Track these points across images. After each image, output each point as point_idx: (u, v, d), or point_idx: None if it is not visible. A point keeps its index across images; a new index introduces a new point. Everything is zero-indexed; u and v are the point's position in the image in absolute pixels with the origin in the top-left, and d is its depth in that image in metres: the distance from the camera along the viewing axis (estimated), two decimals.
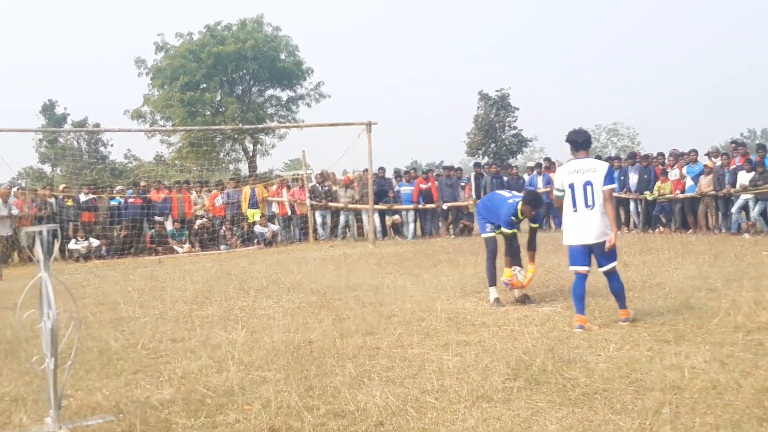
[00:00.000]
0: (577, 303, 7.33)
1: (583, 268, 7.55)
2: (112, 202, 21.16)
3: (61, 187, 21.95)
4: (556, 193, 7.83)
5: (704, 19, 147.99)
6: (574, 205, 7.40)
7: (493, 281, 9.01)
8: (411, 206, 22.06)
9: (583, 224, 7.38)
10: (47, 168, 54.75)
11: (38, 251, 4.83)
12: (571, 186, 7.43)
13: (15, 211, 19.19)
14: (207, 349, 6.80)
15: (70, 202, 20.31)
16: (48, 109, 58.50)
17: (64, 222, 19.28)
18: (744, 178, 17.32)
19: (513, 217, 8.97)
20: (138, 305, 9.81)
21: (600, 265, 7.60)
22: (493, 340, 6.62)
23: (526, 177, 22.88)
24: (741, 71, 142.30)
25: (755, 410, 4.43)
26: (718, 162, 18.71)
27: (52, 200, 20.33)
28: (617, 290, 7.53)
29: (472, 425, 4.37)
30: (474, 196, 22.02)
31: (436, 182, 22.39)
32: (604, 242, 7.36)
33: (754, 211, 17.25)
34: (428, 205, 22.13)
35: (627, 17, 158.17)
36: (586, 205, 7.32)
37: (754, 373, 5.25)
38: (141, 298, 10.48)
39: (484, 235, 9.44)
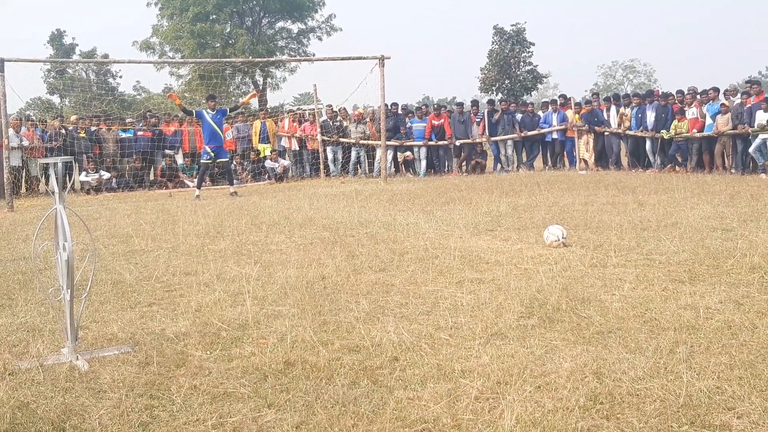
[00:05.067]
0: None
1: None
2: (123, 135, 21.12)
3: (72, 118, 21.92)
4: None
5: None
6: None
7: None
8: (423, 143, 21.98)
9: None
10: (56, 99, 54.65)
11: (53, 183, 4.85)
12: None
13: (25, 142, 19.20)
14: (221, 282, 6.85)
15: (82, 134, 20.30)
16: (56, 38, 58.22)
17: (76, 154, 19.28)
18: (762, 117, 17.17)
19: None
20: (150, 238, 9.86)
21: None
22: (507, 278, 6.64)
23: (540, 114, 22.69)
24: (762, 8, 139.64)
25: None
26: (737, 100, 18.54)
27: (63, 131, 20.30)
28: None
29: (486, 362, 4.40)
30: (488, 134, 21.93)
31: (449, 118, 22.27)
32: None
33: None
34: (440, 142, 22.06)
35: None
36: None
37: None
38: (153, 232, 10.53)
39: None
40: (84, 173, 19.58)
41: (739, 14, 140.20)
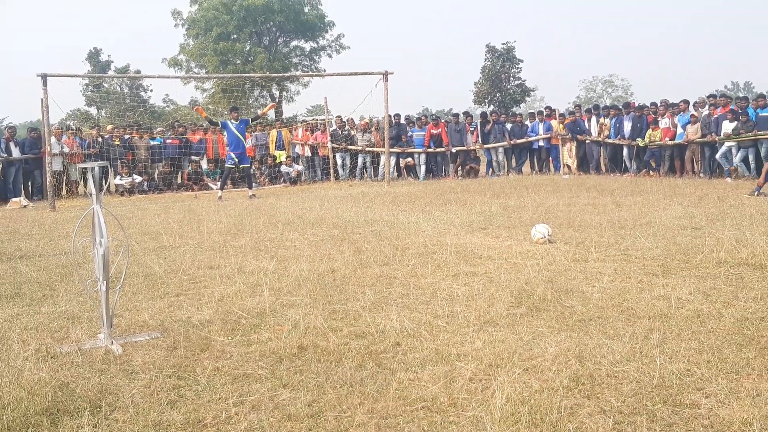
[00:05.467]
0: None
1: None
2: (153, 142, 21.17)
3: (108, 128, 21.98)
4: None
5: None
6: None
7: None
8: (422, 150, 22.01)
9: None
10: (93, 110, 54.76)
11: (90, 185, 4.87)
12: None
13: (66, 149, 19.24)
14: (241, 275, 6.85)
15: (117, 142, 20.35)
16: (93, 56, 58.32)
17: (111, 159, 19.33)
18: (727, 127, 17.17)
19: None
20: (178, 236, 9.87)
21: None
22: (498, 272, 6.64)
23: (528, 124, 22.67)
24: (727, 28, 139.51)
25: (735, 337, 4.45)
26: (705, 111, 18.53)
27: (100, 139, 20.36)
28: None
29: (479, 347, 4.41)
30: (481, 142, 21.95)
31: (446, 128, 22.30)
32: None
33: (736, 158, 17.14)
34: (438, 149, 22.09)
35: None
36: None
37: (735, 304, 5.26)
38: (180, 230, 10.54)
39: None
40: (118, 177, 19.61)
41: (706, 34, 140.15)
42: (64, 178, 19.67)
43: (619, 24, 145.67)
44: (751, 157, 16.91)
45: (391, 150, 20.97)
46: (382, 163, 21.45)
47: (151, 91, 59.29)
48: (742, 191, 13.69)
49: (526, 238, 8.56)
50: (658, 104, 20.18)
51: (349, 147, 22.17)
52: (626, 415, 3.38)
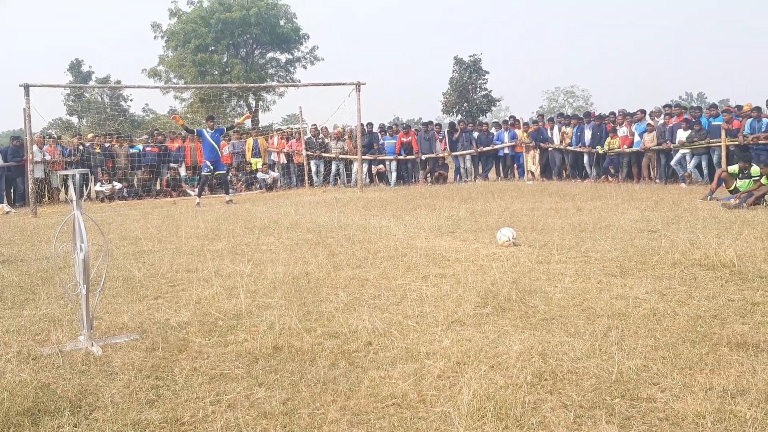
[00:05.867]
0: None
1: None
2: (132, 150, 20.98)
3: (89, 136, 21.75)
4: None
5: None
6: None
7: None
8: (393, 157, 22.05)
9: None
10: (74, 119, 54.12)
11: (71, 192, 4.81)
12: None
13: (48, 157, 19.01)
14: (218, 278, 6.80)
15: (97, 149, 20.14)
16: (75, 67, 57.61)
17: (92, 167, 19.13)
18: (682, 135, 17.39)
19: None
20: (157, 240, 9.78)
21: None
22: (466, 273, 6.66)
23: (494, 132, 22.79)
24: (682, 43, 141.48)
25: (689, 334, 4.50)
26: (661, 120, 18.75)
27: (81, 147, 20.14)
28: None
29: (447, 345, 4.41)
30: (449, 149, 22.03)
31: (416, 136, 22.35)
32: None
33: (690, 164, 17.37)
34: (408, 157, 22.13)
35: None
36: None
37: (689, 303, 5.32)
38: (159, 234, 10.44)
39: None
40: (99, 184, 19.41)
41: (662, 48, 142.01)
42: (46, 185, 19.40)
43: (580, 38, 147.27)
44: (704, 164, 17.14)
45: (364, 157, 20.98)
46: (354, 169, 21.45)
47: (131, 100, 58.76)
48: (696, 196, 13.87)
49: (492, 241, 8.59)
50: (617, 114, 20.37)
51: (323, 154, 22.16)
52: (586, 409, 3.40)
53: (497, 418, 3.31)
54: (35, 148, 17.75)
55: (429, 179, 22.05)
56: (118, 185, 19.70)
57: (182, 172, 21.19)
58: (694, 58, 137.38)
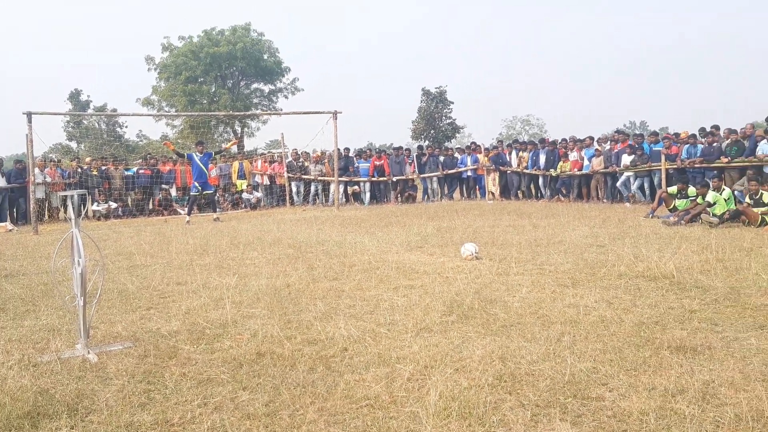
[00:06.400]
0: None
1: None
2: (127, 173, 20.79)
3: (87, 160, 21.52)
4: None
5: (595, 24, 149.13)
6: None
7: None
8: (367, 179, 22.08)
9: None
10: (73, 144, 53.49)
11: (70, 211, 4.76)
12: None
13: (48, 179, 18.76)
14: (206, 290, 6.74)
15: (95, 172, 19.93)
16: (74, 96, 57.05)
17: (89, 188, 18.91)
18: (626, 159, 17.62)
19: None
20: (149, 255, 9.67)
21: None
22: (433, 285, 6.67)
23: (458, 156, 22.91)
24: (625, 74, 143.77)
25: (634, 339, 4.55)
26: (608, 146, 18.98)
27: (79, 170, 19.91)
28: None
29: (416, 350, 4.41)
30: (418, 172, 22.12)
31: (388, 160, 22.42)
32: None
33: (634, 186, 17.59)
34: (381, 178, 22.17)
35: (529, 28, 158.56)
36: None
37: (633, 310, 5.37)
38: (151, 250, 10.32)
39: None
40: (96, 203, 19.16)
41: (608, 80, 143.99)
42: (47, 204, 19.09)
43: (536, 72, 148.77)
44: (646, 185, 17.36)
45: (340, 179, 20.96)
46: (332, 190, 21.40)
47: (126, 127, 58.11)
48: (639, 214, 14.04)
49: (456, 255, 8.62)
50: (568, 140, 20.57)
51: (303, 176, 22.10)
52: (542, 408, 3.42)
53: (461, 416, 3.31)
54: (37, 170, 17.49)
55: (400, 199, 22.07)
56: (113, 205, 19.45)
57: (173, 192, 21.01)
58: (638, 89, 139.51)
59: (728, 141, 15.40)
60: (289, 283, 6.97)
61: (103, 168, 20.39)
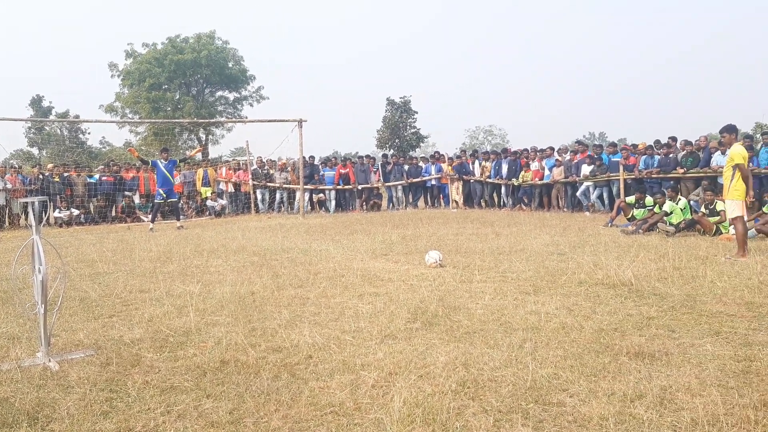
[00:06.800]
0: None
1: None
2: (90, 179, 20.43)
3: (49, 166, 21.10)
4: None
5: (556, 38, 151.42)
6: None
7: None
8: (332, 187, 22.05)
9: None
10: (35, 150, 52.40)
11: (31, 218, 4.66)
12: None
13: (9, 186, 18.34)
14: (169, 298, 6.65)
15: (56, 179, 19.54)
16: (36, 102, 55.99)
17: (51, 195, 18.54)
18: (586, 169, 17.88)
19: None
20: (111, 263, 9.51)
21: None
22: (397, 292, 6.67)
23: (422, 165, 23.02)
24: (584, 87, 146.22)
25: (593, 345, 4.61)
26: (568, 157, 19.25)
27: (41, 177, 19.51)
28: None
29: (380, 357, 4.41)
30: (383, 180, 22.17)
31: (353, 168, 22.43)
32: None
33: (593, 195, 17.86)
34: (346, 186, 22.16)
35: (496, 40, 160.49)
36: None
37: (593, 317, 5.44)
38: (114, 257, 10.16)
39: None
40: (57, 210, 18.77)
41: (567, 92, 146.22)
42: (7, 211, 18.67)
43: (497, 82, 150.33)
44: (605, 195, 17.63)
45: (306, 187, 20.90)
46: (297, 198, 21.33)
47: (89, 133, 57.12)
48: (598, 223, 14.26)
49: (421, 263, 8.65)
50: (530, 150, 20.83)
51: (268, 184, 21.98)
52: (504, 414, 3.44)
53: (425, 423, 3.32)
54: None
55: (365, 207, 22.08)
56: (75, 212, 19.08)
57: (136, 199, 20.72)
58: (597, 101, 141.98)
59: (684, 152, 15.74)
60: (254, 291, 6.92)
61: (65, 174, 20.01)
